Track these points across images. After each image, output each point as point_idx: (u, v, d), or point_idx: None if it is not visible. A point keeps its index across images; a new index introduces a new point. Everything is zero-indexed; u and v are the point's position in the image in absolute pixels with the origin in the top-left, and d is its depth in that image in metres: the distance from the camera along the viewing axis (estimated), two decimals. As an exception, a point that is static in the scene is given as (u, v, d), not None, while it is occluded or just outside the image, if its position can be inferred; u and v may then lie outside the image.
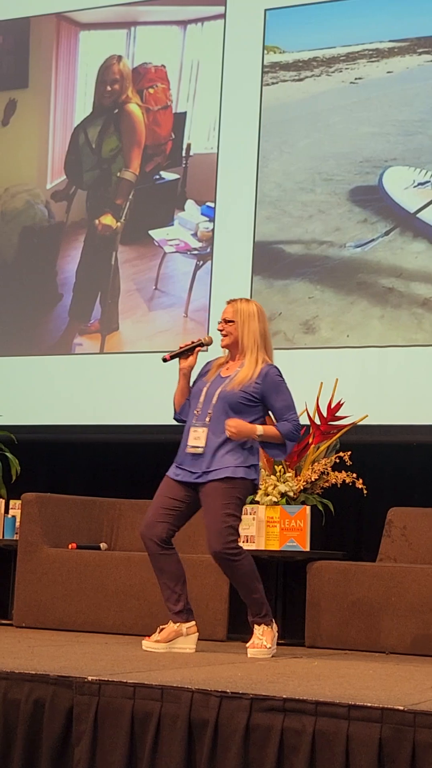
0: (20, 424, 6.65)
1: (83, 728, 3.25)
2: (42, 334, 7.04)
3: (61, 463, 6.90)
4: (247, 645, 4.60)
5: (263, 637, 4.58)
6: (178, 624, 4.61)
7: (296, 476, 5.57)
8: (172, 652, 4.49)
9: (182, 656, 4.43)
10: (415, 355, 6.06)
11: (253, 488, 4.65)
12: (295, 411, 4.65)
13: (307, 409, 5.65)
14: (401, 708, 2.94)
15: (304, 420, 5.65)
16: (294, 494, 5.51)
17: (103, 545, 5.97)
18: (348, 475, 5.57)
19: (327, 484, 5.60)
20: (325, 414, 5.67)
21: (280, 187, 6.54)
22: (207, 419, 4.59)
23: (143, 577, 5.53)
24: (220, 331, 4.70)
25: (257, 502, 5.52)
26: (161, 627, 4.63)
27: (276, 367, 4.64)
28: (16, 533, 6.01)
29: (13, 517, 6.11)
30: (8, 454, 6.34)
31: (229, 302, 4.74)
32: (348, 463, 5.62)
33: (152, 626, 5.40)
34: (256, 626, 4.60)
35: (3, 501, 6.19)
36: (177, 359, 4.72)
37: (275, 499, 5.48)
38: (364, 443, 5.85)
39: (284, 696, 3.07)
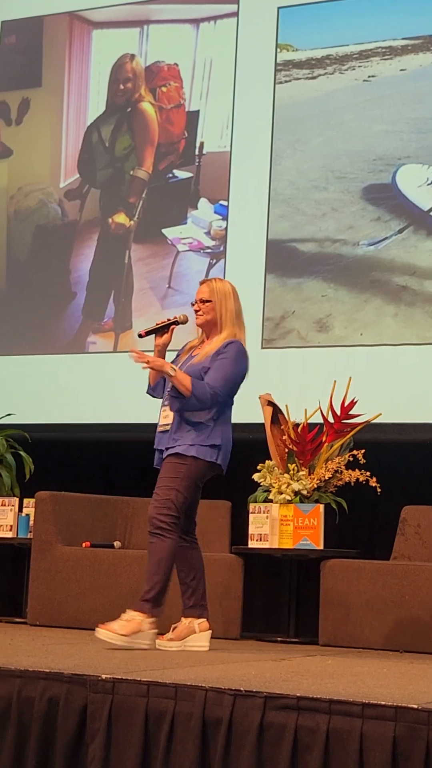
0: (34, 422, 6.66)
1: (97, 726, 3.25)
2: (55, 333, 7.05)
3: (75, 462, 6.91)
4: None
5: (123, 621, 4.43)
6: (189, 620, 4.60)
7: (310, 474, 5.56)
8: (186, 651, 4.49)
9: (196, 654, 4.43)
10: (429, 353, 6.05)
11: (209, 469, 4.60)
12: (222, 387, 4.56)
13: (320, 408, 5.64)
14: (415, 706, 2.94)
15: (317, 418, 5.66)
16: (308, 492, 5.51)
17: (116, 543, 5.98)
18: (362, 474, 5.56)
19: (340, 483, 5.59)
20: (338, 412, 5.67)
21: (293, 185, 6.54)
22: (173, 403, 4.62)
23: (157, 576, 5.53)
24: (196, 311, 4.71)
25: (271, 501, 5.52)
26: (174, 625, 4.63)
27: (238, 343, 4.64)
28: (30, 532, 6.02)
29: (27, 515, 6.12)
30: (22, 453, 6.35)
31: (202, 282, 4.78)
32: (361, 462, 5.61)
33: (165, 625, 5.41)
34: (129, 609, 4.47)
35: (17, 499, 6.20)
36: (152, 336, 4.74)
37: (289, 498, 5.48)
38: (378, 441, 5.84)
39: (298, 694, 3.07)
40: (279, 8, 6.67)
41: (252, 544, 5.51)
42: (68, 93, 7.25)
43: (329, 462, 5.59)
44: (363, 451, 5.63)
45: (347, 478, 5.58)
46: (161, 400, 4.75)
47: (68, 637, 5.06)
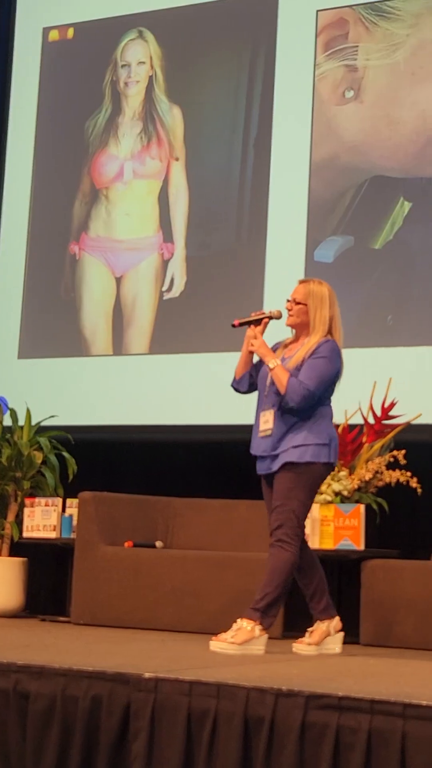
0: (76, 424, 6.71)
1: (140, 724, 3.28)
2: (98, 334, 7.09)
3: (117, 462, 6.95)
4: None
5: (234, 630, 4.43)
6: (325, 623, 4.61)
7: (350, 475, 5.57)
8: (245, 654, 4.37)
9: (238, 654, 4.41)
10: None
11: (325, 470, 4.57)
12: (316, 385, 4.51)
13: (360, 409, 5.65)
14: (456, 706, 2.95)
15: (357, 419, 5.66)
16: (348, 493, 5.51)
17: (158, 543, 6.01)
18: (402, 474, 5.57)
19: (381, 483, 5.60)
20: (378, 413, 5.67)
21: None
22: (274, 401, 4.57)
23: (199, 575, 5.56)
24: (288, 310, 4.66)
25: (312, 501, 5.53)
26: (310, 629, 4.63)
27: (332, 342, 4.58)
28: (74, 532, 6.06)
29: (70, 515, 6.17)
30: (65, 454, 6.40)
31: (301, 282, 4.71)
32: (402, 462, 5.61)
33: (208, 624, 5.44)
34: (239, 618, 4.46)
35: (60, 500, 6.24)
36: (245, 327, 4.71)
37: (329, 498, 5.49)
38: (418, 442, 5.84)
39: (340, 694, 3.08)
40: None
41: (293, 544, 5.52)
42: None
43: (369, 462, 5.60)
44: (404, 451, 5.63)
45: (388, 479, 5.58)
46: (259, 407, 4.65)
47: (111, 636, 5.09)
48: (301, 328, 4.67)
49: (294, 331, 4.72)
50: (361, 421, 5.66)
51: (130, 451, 6.89)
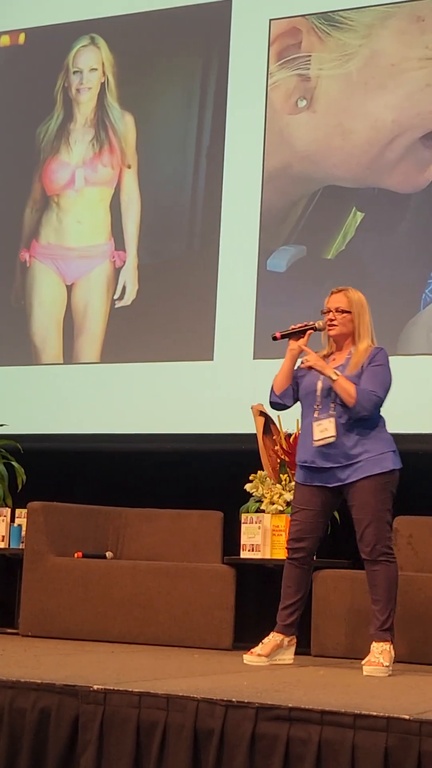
0: (25, 433, 6.65)
1: (89, 737, 3.25)
2: (49, 343, 7.05)
3: (67, 472, 6.90)
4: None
5: (379, 655, 4.43)
6: (281, 637, 4.59)
7: (302, 485, 5.56)
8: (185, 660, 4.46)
9: (188, 665, 4.42)
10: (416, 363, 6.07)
11: (398, 475, 4.57)
12: (383, 393, 4.51)
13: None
14: (407, 717, 2.94)
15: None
16: (300, 503, 5.50)
17: (108, 554, 5.97)
18: (354, 484, 5.56)
19: (333, 493, 5.59)
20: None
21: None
22: (331, 410, 4.52)
23: (149, 586, 5.53)
24: (331, 320, 4.59)
25: (263, 511, 5.52)
26: (263, 641, 4.61)
27: (384, 350, 4.58)
28: (22, 542, 6.01)
29: (19, 525, 6.11)
30: (14, 463, 6.34)
31: (336, 291, 4.64)
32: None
33: (158, 635, 5.41)
34: (374, 642, 4.47)
35: (9, 510, 6.19)
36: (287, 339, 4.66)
37: (281, 508, 5.48)
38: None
39: (290, 705, 3.07)
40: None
41: (244, 554, 5.51)
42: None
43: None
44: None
45: (339, 489, 5.57)
46: (312, 416, 4.58)
47: (60, 647, 5.05)
48: (343, 338, 4.61)
49: (330, 341, 4.65)
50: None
51: (80, 461, 6.84)
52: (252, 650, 4.60)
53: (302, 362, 4.55)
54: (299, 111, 6.49)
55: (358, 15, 6.43)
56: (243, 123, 6.63)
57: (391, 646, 4.46)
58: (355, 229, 6.32)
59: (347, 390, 4.47)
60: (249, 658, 4.56)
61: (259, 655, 4.56)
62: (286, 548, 4.70)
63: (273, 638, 4.61)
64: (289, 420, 5.63)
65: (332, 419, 4.51)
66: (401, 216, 6.22)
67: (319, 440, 4.53)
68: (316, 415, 4.56)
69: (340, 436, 4.50)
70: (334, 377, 4.47)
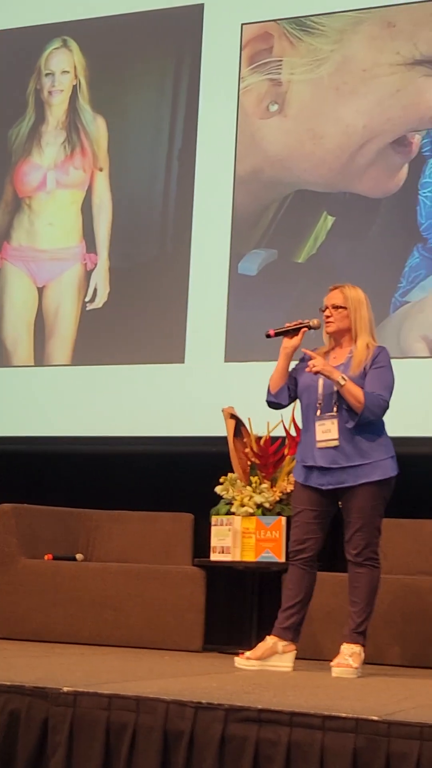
0: (-4, 435, 6.65)
1: (58, 739, 3.25)
2: (19, 344, 7.03)
3: (38, 474, 6.89)
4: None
5: (347, 656, 4.45)
6: (275, 640, 4.52)
7: (272, 487, 5.58)
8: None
9: (159, 667, 4.43)
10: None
11: (395, 481, 4.56)
12: (388, 395, 4.50)
13: (282, 421, 5.66)
14: (375, 718, 2.96)
15: (279, 431, 5.68)
16: (270, 505, 5.52)
17: (79, 556, 5.97)
18: (324, 487, 5.58)
19: (303, 496, 5.61)
20: (300, 425, 5.68)
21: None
22: (334, 410, 4.50)
23: (119, 588, 5.54)
24: (327, 317, 4.59)
25: (233, 513, 5.54)
26: (259, 645, 4.56)
27: (386, 350, 4.57)
28: (-8, 544, 6.00)
29: (-11, 527, 6.10)
30: (-16, 465, 6.33)
31: (334, 288, 4.64)
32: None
33: (128, 637, 5.42)
34: (345, 643, 4.48)
35: (-21, 512, 6.17)
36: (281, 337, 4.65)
37: (251, 510, 5.49)
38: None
39: (259, 707, 3.08)
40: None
41: (214, 556, 5.52)
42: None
43: (291, 475, 5.61)
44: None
45: (309, 491, 5.59)
46: (316, 416, 4.55)
47: (30, 649, 5.04)
48: (341, 335, 4.60)
49: (330, 338, 4.65)
50: (283, 434, 5.67)
51: (51, 463, 6.83)
52: (243, 653, 4.57)
53: (309, 367, 4.50)
54: (271, 115, 6.52)
55: (329, 20, 6.46)
56: (215, 127, 6.65)
57: (362, 650, 4.47)
58: (326, 234, 6.34)
59: (355, 396, 4.44)
60: (240, 661, 4.53)
61: (248, 658, 4.51)
62: (290, 550, 4.66)
63: (266, 641, 4.55)
64: (259, 423, 5.65)
65: (335, 420, 4.50)
66: (371, 220, 6.25)
67: (322, 442, 4.52)
68: (318, 413, 4.55)
69: (342, 440, 4.49)
70: (342, 382, 4.44)
